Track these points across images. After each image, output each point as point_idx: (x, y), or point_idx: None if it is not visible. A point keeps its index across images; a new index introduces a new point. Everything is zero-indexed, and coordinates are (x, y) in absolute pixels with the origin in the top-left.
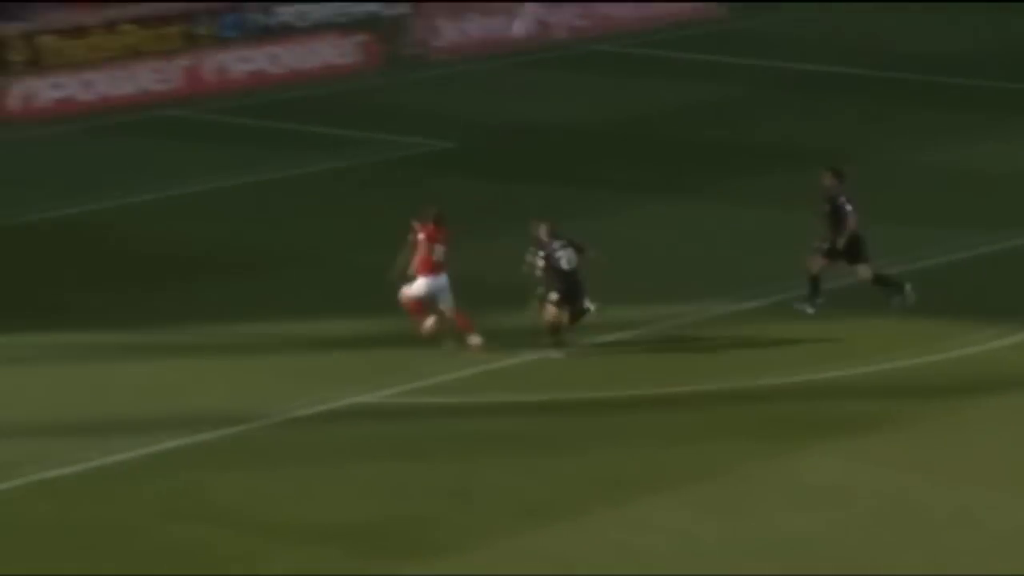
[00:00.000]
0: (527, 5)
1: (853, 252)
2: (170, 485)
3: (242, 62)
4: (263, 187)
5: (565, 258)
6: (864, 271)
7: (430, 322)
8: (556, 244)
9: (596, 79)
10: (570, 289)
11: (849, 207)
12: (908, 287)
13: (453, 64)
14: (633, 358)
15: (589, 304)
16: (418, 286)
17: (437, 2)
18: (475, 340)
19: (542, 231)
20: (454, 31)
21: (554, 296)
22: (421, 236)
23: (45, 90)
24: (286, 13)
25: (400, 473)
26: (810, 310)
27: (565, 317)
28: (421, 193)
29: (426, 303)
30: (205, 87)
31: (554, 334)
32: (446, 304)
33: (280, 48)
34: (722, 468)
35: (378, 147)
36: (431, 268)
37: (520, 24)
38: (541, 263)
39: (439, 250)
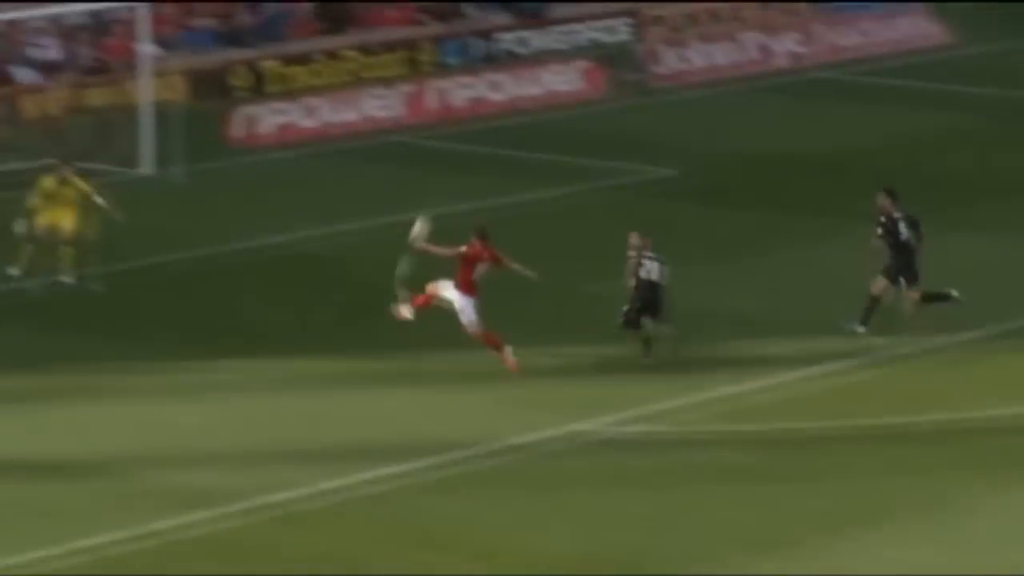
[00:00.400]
0: None
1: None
2: (389, 512)
3: (464, 89)
4: (484, 214)
5: (653, 270)
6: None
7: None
8: (648, 254)
9: (819, 107)
10: (651, 300)
11: (902, 227)
12: (955, 293)
13: (675, 91)
14: (853, 388)
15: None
16: (448, 292)
17: (660, 28)
18: (510, 356)
19: (635, 238)
20: (676, 58)
21: (634, 307)
22: (465, 250)
23: (267, 116)
24: (508, 40)
25: (618, 502)
26: (860, 329)
27: (648, 328)
28: (643, 220)
29: (437, 305)
30: (427, 114)
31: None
32: (468, 323)
33: (502, 76)
34: (946, 500)
35: (601, 174)
36: (469, 287)
37: None
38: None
39: (480, 269)
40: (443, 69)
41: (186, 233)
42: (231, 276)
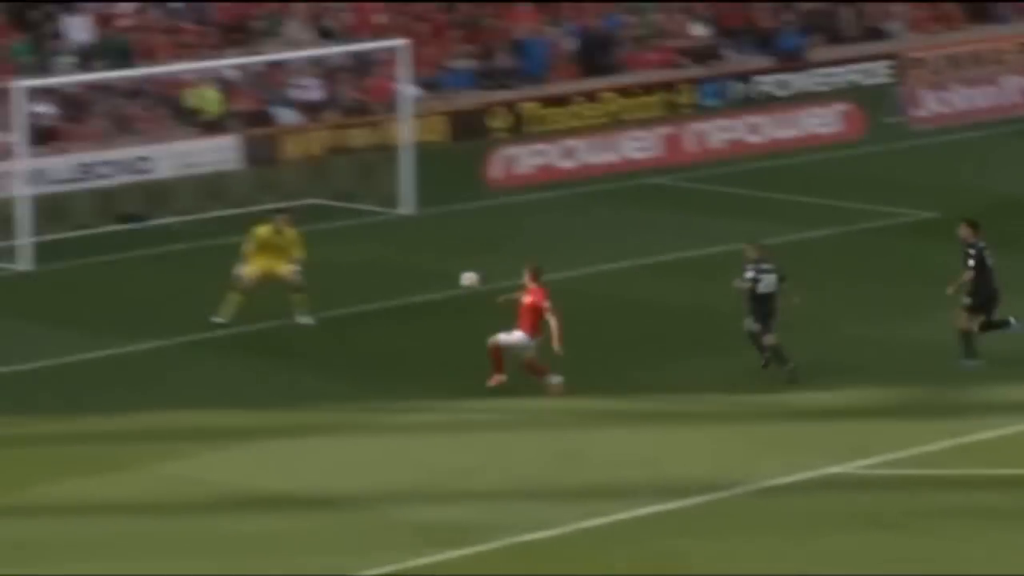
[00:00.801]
0: None
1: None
2: (643, 551)
3: (722, 131)
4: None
5: (765, 282)
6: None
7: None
8: (764, 266)
9: None
10: (766, 312)
11: (972, 260)
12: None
13: (935, 134)
14: None
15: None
16: (518, 337)
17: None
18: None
19: (751, 251)
20: (936, 101)
21: (755, 323)
22: (530, 299)
23: (526, 157)
24: (767, 83)
25: (871, 545)
26: (970, 364)
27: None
28: (904, 263)
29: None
30: (685, 156)
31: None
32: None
33: (761, 118)
34: None
35: (860, 216)
36: (534, 328)
37: None
38: (748, 284)
39: (546, 307)
40: (701, 111)
41: (443, 272)
42: (486, 314)
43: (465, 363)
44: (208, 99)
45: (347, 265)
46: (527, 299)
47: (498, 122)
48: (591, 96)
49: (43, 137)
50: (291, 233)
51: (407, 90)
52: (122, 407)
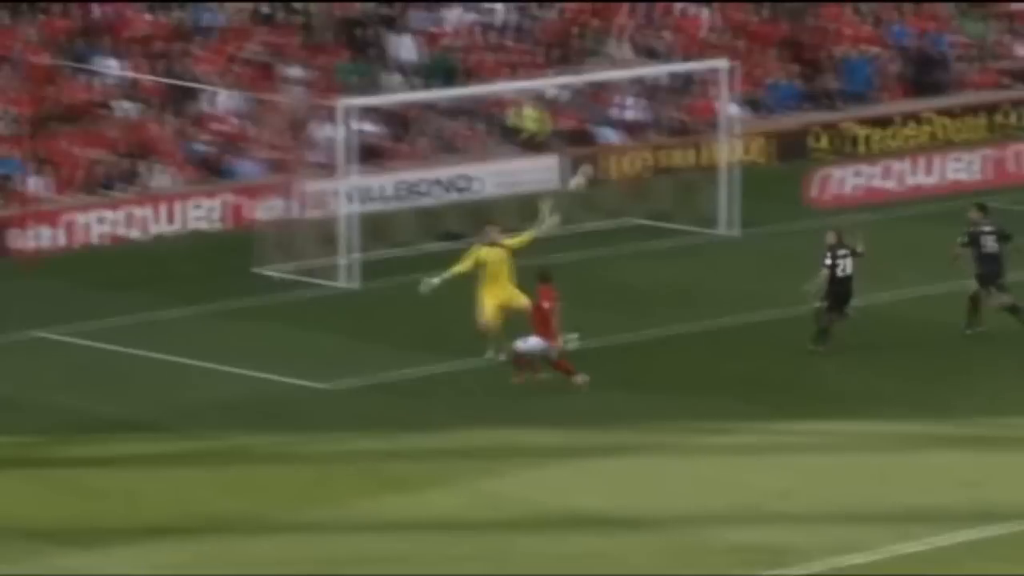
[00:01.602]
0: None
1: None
2: None
3: None
4: None
5: (843, 265)
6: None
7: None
8: (841, 251)
9: None
10: (844, 294)
11: (986, 239)
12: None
13: None
14: None
15: (850, 310)
16: (534, 343)
17: None
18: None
19: (831, 237)
20: None
21: (824, 303)
22: (547, 305)
23: (848, 178)
24: None
25: None
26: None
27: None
28: None
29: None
30: (1010, 178)
31: (822, 336)
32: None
33: None
34: None
35: None
36: (550, 332)
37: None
38: (827, 271)
39: (556, 309)
40: None
41: (761, 293)
42: (799, 337)
43: (783, 383)
44: (530, 118)
45: (666, 285)
46: (547, 305)
47: (820, 142)
48: (915, 117)
49: (368, 155)
50: (508, 242)
51: (729, 110)
52: (441, 424)
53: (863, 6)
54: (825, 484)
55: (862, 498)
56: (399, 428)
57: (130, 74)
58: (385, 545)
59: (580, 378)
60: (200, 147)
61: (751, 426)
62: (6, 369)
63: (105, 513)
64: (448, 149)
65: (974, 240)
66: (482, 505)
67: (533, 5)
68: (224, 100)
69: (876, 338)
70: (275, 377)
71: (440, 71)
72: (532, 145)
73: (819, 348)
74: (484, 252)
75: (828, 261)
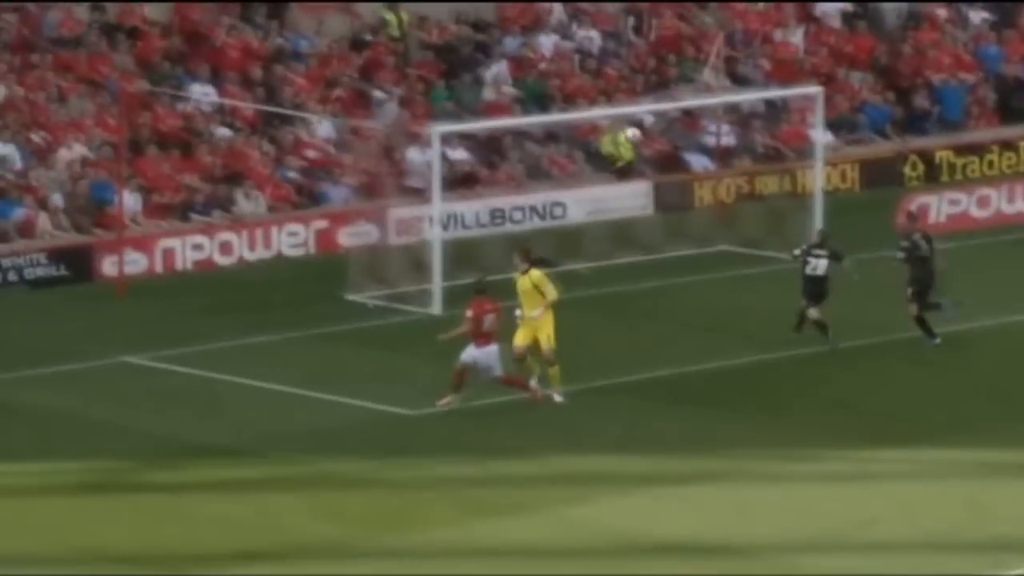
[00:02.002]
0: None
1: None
2: None
3: None
4: None
5: (814, 264)
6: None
7: (446, 400)
8: (817, 251)
9: None
10: (815, 292)
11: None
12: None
13: None
14: None
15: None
16: (467, 353)
17: None
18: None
19: (816, 236)
20: None
21: (803, 302)
22: (470, 313)
23: (939, 205)
24: None
25: None
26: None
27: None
28: None
29: (471, 372)
30: None
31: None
32: (496, 372)
33: None
34: None
35: None
36: (481, 338)
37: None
38: (794, 259)
39: (488, 320)
40: None
41: (847, 319)
42: (888, 364)
43: (872, 411)
44: (625, 146)
45: (756, 311)
46: (470, 313)
47: (911, 169)
48: (1008, 145)
49: (458, 182)
50: (535, 274)
51: (821, 137)
52: (529, 451)
53: (961, 32)
54: (914, 512)
55: (951, 526)
56: (487, 454)
57: (225, 100)
58: (472, 572)
59: (536, 387)
60: (292, 173)
61: (840, 454)
62: (98, 394)
63: (196, 538)
64: (539, 175)
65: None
66: (569, 532)
67: (628, 32)
68: (319, 126)
69: (967, 364)
70: (365, 403)
71: (532, 96)
72: (625, 172)
73: (796, 332)
74: (518, 281)
75: (796, 252)
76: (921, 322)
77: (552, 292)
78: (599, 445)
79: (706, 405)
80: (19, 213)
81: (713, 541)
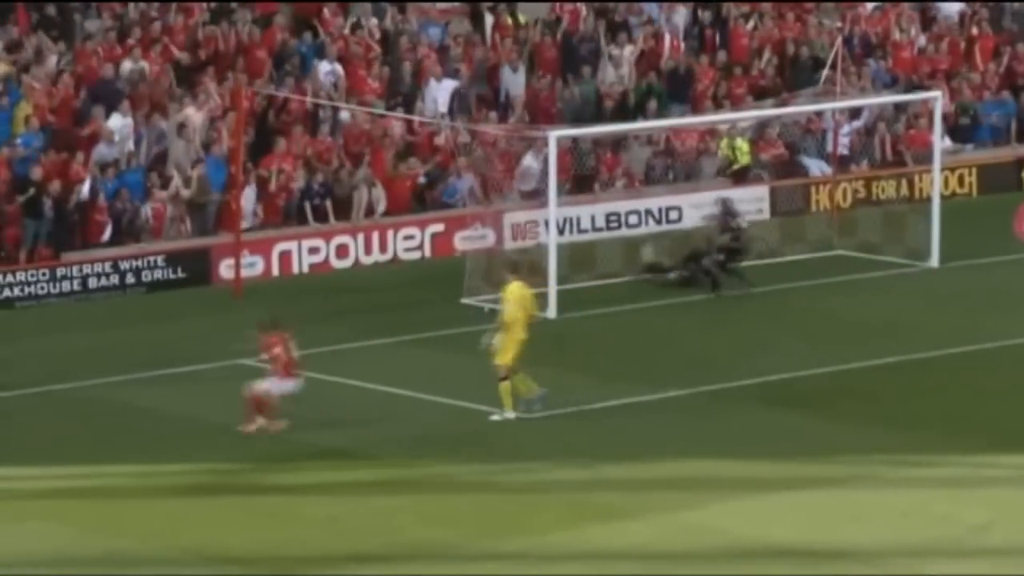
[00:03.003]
0: None
1: None
2: None
3: None
4: None
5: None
6: None
7: (253, 426)
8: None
9: None
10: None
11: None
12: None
13: None
14: None
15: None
16: (268, 385)
17: None
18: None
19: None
20: None
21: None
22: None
23: None
24: None
25: None
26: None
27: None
28: None
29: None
30: None
31: None
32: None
33: None
34: None
35: None
36: (285, 371)
37: None
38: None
39: (276, 355)
40: None
41: (963, 325)
42: (1004, 370)
43: (987, 417)
44: (742, 150)
45: (871, 317)
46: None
47: None
48: None
49: (578, 186)
50: (510, 288)
51: (941, 142)
52: (641, 454)
53: None
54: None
55: None
56: (599, 458)
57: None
58: (585, 575)
59: (265, 423)
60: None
61: (953, 459)
62: (213, 396)
63: (308, 540)
64: (655, 179)
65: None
66: (683, 536)
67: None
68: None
69: None
70: (478, 407)
71: (655, 99)
72: (741, 176)
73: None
74: (515, 288)
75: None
76: None
77: (509, 311)
78: (712, 449)
79: (820, 409)
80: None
81: (826, 546)
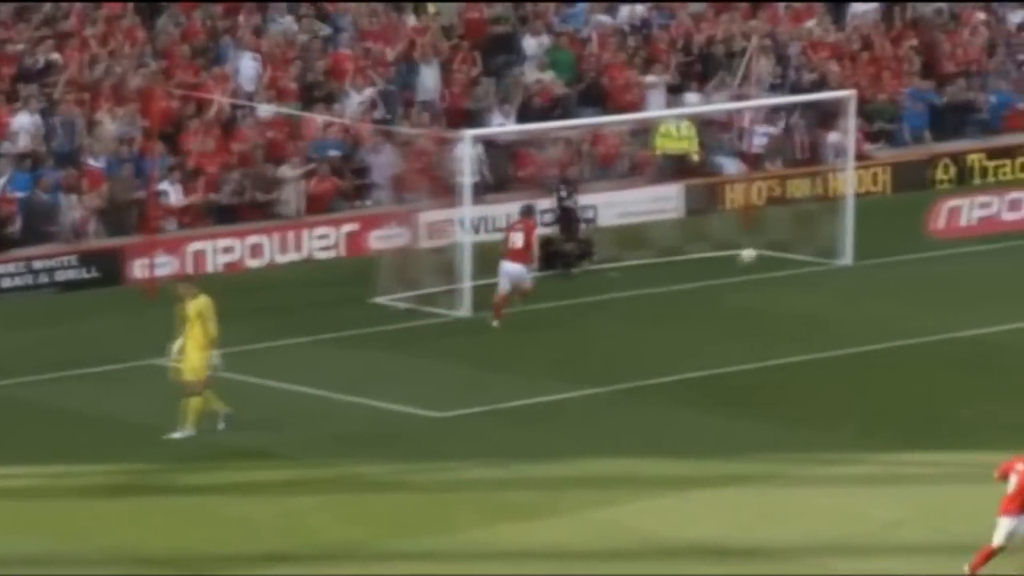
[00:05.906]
0: None
1: None
2: None
3: None
4: None
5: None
6: None
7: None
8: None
9: None
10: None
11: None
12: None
13: None
14: None
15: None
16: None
17: None
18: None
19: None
20: None
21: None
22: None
23: (970, 209)
24: None
25: None
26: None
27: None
28: None
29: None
30: None
31: None
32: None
33: None
34: None
35: None
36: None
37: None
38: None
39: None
40: None
41: (877, 322)
42: (919, 367)
43: (899, 414)
44: (688, 137)
45: (784, 315)
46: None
47: (942, 173)
48: None
49: (489, 186)
50: (198, 303)
51: (852, 141)
52: (556, 453)
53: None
54: (941, 515)
55: (977, 530)
56: (513, 456)
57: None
58: (497, 574)
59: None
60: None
61: (867, 456)
62: (124, 397)
63: (222, 540)
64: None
65: None
66: (596, 535)
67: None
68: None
69: (998, 368)
70: (392, 406)
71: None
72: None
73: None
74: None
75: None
76: None
77: (213, 327)
78: (626, 448)
79: (736, 407)
80: None
81: (740, 544)
